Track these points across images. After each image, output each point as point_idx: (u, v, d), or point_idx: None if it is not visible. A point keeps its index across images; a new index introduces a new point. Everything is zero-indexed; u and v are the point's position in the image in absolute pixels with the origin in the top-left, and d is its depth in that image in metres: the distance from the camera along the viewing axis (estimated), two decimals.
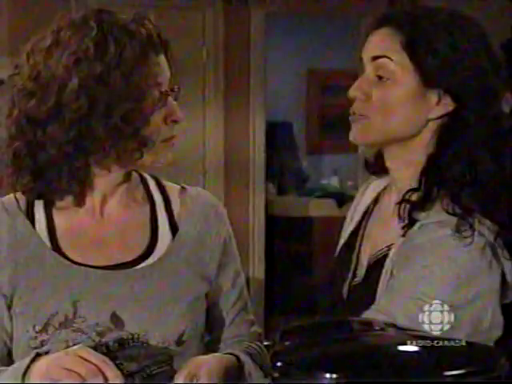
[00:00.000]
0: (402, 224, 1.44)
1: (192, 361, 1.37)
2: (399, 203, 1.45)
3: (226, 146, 5.20)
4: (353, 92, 1.47)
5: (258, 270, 5.26)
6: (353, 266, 1.57)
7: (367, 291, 1.50)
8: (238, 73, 5.19)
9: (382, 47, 1.45)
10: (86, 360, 1.27)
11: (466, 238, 1.38)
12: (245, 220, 5.21)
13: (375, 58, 1.46)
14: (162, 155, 1.46)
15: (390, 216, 1.52)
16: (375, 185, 1.65)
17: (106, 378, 1.27)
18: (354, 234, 1.62)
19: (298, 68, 6.99)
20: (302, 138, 7.12)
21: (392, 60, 1.44)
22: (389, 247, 1.48)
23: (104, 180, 1.47)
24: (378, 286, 1.46)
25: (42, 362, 1.32)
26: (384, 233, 1.52)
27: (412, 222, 1.43)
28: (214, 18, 5.09)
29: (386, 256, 1.47)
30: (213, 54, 5.09)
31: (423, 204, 1.43)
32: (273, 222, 5.73)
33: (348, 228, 1.65)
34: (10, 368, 1.38)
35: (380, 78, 1.45)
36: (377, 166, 1.61)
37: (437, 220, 1.41)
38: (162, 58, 1.43)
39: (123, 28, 1.39)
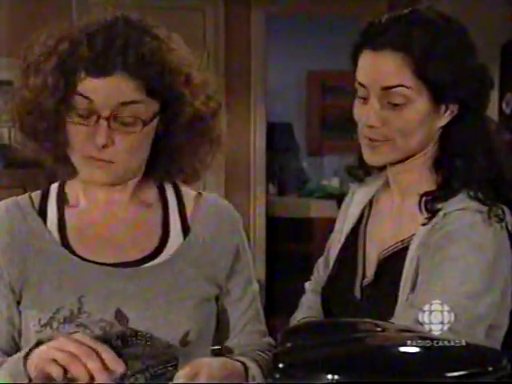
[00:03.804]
0: (426, 215, 1.49)
1: (194, 361, 1.36)
2: (421, 196, 1.50)
3: (227, 146, 5.19)
4: (372, 122, 1.48)
5: (258, 271, 5.26)
6: (361, 267, 1.59)
7: (381, 287, 1.53)
8: (238, 74, 5.19)
9: (395, 76, 1.45)
10: (81, 343, 1.26)
11: (492, 224, 1.44)
12: (245, 221, 5.21)
13: (389, 87, 1.46)
14: (86, 171, 1.43)
15: (397, 214, 1.57)
16: (363, 190, 1.69)
17: (103, 363, 1.25)
18: (351, 238, 1.65)
19: (298, 69, 6.97)
20: (302, 138, 7.11)
21: (408, 88, 1.45)
22: (403, 241, 1.51)
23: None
24: (394, 280, 1.49)
25: (43, 346, 1.32)
26: (392, 231, 1.56)
27: (434, 212, 1.48)
28: (214, 19, 5.09)
29: (402, 250, 1.51)
30: (213, 54, 5.08)
31: (445, 194, 1.49)
32: (273, 223, 5.72)
33: (341, 235, 1.68)
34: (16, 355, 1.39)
35: (394, 104, 1.47)
36: (362, 173, 1.68)
37: (460, 207, 1.46)
38: (99, 81, 1.37)
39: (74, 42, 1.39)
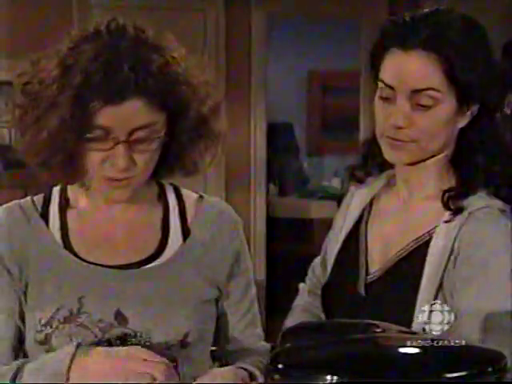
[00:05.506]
0: (447, 212, 1.49)
1: (207, 372, 1.39)
2: (443, 193, 1.50)
3: (227, 146, 5.19)
4: (400, 124, 1.47)
5: (258, 272, 5.26)
6: (363, 265, 1.58)
7: (391, 283, 1.54)
8: (239, 74, 5.19)
9: (426, 78, 1.45)
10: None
11: None
12: (246, 221, 5.20)
13: (419, 90, 1.45)
14: (106, 191, 1.45)
15: (403, 213, 1.58)
16: (363, 191, 1.69)
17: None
18: (352, 237, 1.65)
19: (299, 69, 6.97)
20: (303, 139, 7.11)
21: (439, 91, 1.45)
22: (417, 240, 1.52)
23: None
24: (406, 276, 1.50)
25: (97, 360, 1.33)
26: (399, 229, 1.56)
27: (458, 209, 1.48)
28: (215, 19, 5.08)
29: (416, 248, 1.51)
30: (214, 55, 5.08)
31: (467, 192, 1.49)
32: (274, 224, 5.72)
33: (340, 235, 1.68)
34: (44, 360, 1.39)
35: (423, 105, 1.46)
36: (362, 173, 1.69)
37: (484, 205, 1.46)
38: (116, 108, 1.35)
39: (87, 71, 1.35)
